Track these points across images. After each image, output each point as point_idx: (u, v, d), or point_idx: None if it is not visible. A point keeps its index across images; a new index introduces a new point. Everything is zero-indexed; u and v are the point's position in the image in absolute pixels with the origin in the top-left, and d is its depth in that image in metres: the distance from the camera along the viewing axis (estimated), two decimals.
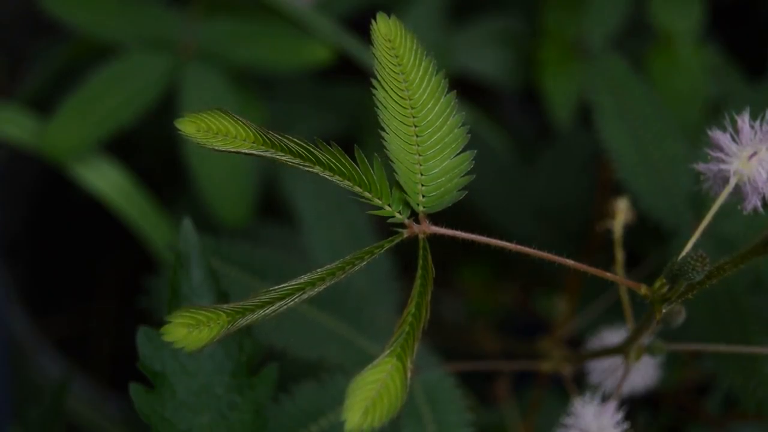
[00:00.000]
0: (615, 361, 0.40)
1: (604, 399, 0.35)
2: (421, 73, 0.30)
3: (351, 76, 0.63)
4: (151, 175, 0.63)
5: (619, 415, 0.35)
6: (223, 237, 0.42)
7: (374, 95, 0.30)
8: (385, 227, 0.30)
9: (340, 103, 0.65)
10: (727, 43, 0.67)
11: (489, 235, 0.30)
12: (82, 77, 0.57)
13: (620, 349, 0.36)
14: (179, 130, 0.27)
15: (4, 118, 0.58)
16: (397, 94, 0.30)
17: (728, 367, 0.42)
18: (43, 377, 0.61)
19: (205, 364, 0.34)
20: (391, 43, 0.30)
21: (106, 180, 0.58)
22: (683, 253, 0.31)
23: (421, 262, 0.29)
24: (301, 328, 0.40)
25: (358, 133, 0.62)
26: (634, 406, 0.42)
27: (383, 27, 0.30)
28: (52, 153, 0.57)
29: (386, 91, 0.30)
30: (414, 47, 0.30)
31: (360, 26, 0.61)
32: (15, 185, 0.70)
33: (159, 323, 0.35)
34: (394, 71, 0.30)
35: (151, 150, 0.68)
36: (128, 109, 0.57)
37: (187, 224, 0.35)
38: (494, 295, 0.62)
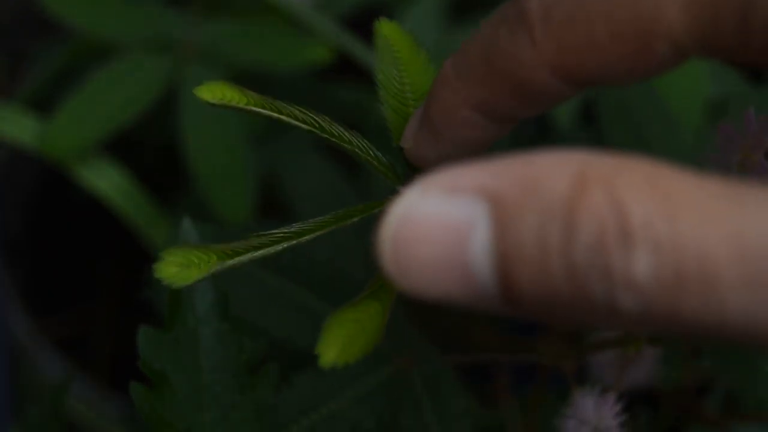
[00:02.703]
0: (615, 354, 0.40)
1: (604, 391, 0.36)
2: (419, 66, 0.31)
3: (351, 76, 0.63)
4: (151, 175, 0.63)
5: (619, 407, 0.35)
6: (224, 236, 0.42)
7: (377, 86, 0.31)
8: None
9: (340, 104, 0.65)
10: None
11: None
12: (82, 77, 0.57)
13: (620, 342, 0.36)
14: (197, 95, 0.29)
15: (4, 118, 0.58)
16: (396, 87, 0.31)
17: (728, 364, 0.42)
18: (43, 377, 0.61)
19: (206, 364, 0.35)
20: (391, 41, 0.31)
21: (106, 180, 0.58)
22: None
23: None
24: (301, 317, 0.40)
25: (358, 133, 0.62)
26: (635, 405, 0.42)
27: (386, 28, 0.32)
28: (53, 153, 0.57)
29: (387, 91, 0.31)
30: (412, 44, 0.32)
31: (360, 26, 0.61)
32: (15, 185, 0.70)
33: (159, 323, 0.35)
34: (394, 69, 0.31)
35: (152, 150, 0.68)
36: (128, 109, 0.57)
37: (187, 223, 0.36)
38: None
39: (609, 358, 0.40)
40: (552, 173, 0.21)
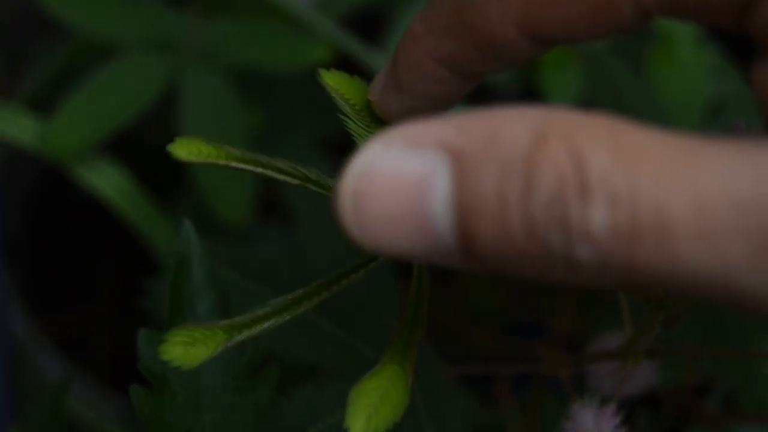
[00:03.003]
0: (614, 365, 0.40)
1: (603, 402, 0.35)
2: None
3: (351, 75, 0.63)
4: (151, 175, 0.63)
5: (618, 419, 0.35)
6: (223, 238, 0.42)
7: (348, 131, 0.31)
8: None
9: None
10: (727, 43, 0.67)
11: None
12: (82, 77, 0.57)
13: (619, 353, 0.36)
14: (171, 154, 0.29)
15: (4, 118, 0.58)
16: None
17: (728, 368, 0.42)
18: (43, 377, 0.61)
19: (206, 366, 0.34)
20: (339, 91, 0.32)
21: (106, 180, 0.58)
22: None
23: (416, 267, 0.29)
24: (299, 331, 0.40)
25: None
26: (635, 407, 0.42)
27: (330, 80, 0.32)
28: (53, 153, 0.57)
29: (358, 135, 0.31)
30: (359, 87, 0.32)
31: (360, 26, 0.61)
32: (15, 185, 0.70)
33: (159, 324, 0.35)
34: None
35: (152, 150, 0.68)
36: (128, 109, 0.57)
37: (188, 225, 0.36)
38: (496, 296, 0.62)
39: (607, 368, 0.40)
40: (513, 127, 0.21)
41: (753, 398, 0.42)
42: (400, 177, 0.22)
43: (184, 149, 0.29)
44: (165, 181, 0.65)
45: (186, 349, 0.27)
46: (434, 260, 0.23)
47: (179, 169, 0.59)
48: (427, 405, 0.39)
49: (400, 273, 0.47)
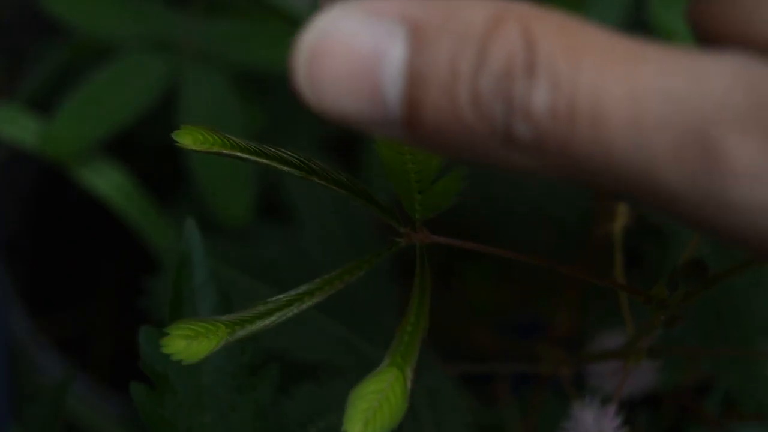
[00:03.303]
0: (615, 365, 0.40)
1: (604, 402, 0.35)
2: None
3: None
4: (151, 175, 0.63)
5: (619, 419, 0.35)
6: (223, 238, 0.42)
7: None
8: (386, 226, 0.31)
9: None
10: None
11: (489, 238, 0.30)
12: (82, 77, 0.57)
13: (620, 353, 0.36)
14: (177, 142, 0.28)
15: (4, 118, 0.58)
16: None
17: (728, 368, 0.42)
18: (43, 377, 0.61)
19: (207, 365, 0.35)
20: None
21: (106, 180, 0.58)
22: (682, 260, 0.31)
23: (418, 270, 0.29)
24: (301, 330, 0.40)
25: (360, 133, 0.62)
26: (635, 407, 0.42)
27: None
28: (53, 153, 0.57)
29: None
30: None
31: None
32: (15, 185, 0.70)
33: (160, 323, 0.35)
34: None
35: (152, 150, 0.68)
36: (128, 109, 0.57)
37: (190, 224, 0.35)
38: (496, 296, 0.62)
39: (608, 368, 0.40)
40: (473, 7, 0.22)
41: (753, 399, 0.42)
42: (357, 41, 0.23)
43: (189, 137, 0.29)
44: (165, 181, 0.65)
45: (188, 342, 0.27)
46: (379, 129, 0.23)
47: (179, 169, 0.59)
48: (427, 404, 0.39)
49: (402, 272, 0.47)
